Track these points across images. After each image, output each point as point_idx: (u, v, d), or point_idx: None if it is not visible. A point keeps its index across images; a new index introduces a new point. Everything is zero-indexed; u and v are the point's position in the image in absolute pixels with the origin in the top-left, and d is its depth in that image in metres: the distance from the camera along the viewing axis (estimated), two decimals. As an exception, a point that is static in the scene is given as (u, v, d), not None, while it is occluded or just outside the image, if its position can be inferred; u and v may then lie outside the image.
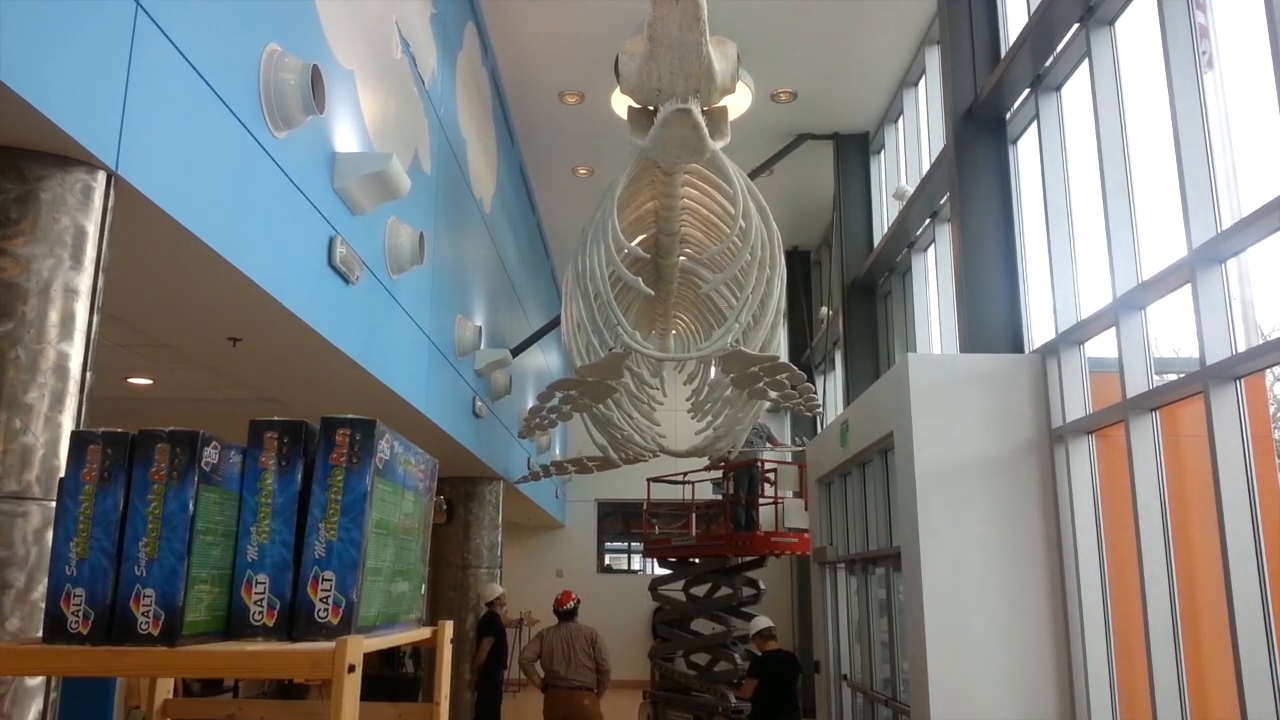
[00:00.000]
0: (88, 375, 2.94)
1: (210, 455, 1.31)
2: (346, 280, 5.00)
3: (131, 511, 1.27)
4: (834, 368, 14.21)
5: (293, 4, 4.43)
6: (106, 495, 1.27)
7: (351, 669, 1.16)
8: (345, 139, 5.05)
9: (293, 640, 1.30)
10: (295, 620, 1.31)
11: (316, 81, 4.11)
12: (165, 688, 1.71)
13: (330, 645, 1.18)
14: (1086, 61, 6.40)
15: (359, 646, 1.19)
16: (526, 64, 10.13)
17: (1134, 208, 5.99)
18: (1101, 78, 6.20)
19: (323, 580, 1.32)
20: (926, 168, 9.43)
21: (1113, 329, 6.05)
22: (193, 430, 1.29)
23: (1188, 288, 5.20)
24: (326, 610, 1.31)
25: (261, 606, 1.32)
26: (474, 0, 8.79)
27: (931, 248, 9.99)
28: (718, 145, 5.52)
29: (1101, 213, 6.12)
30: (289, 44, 4.19)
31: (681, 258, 7.99)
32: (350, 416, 1.38)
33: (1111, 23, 6.19)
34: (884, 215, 11.61)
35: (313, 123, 4.42)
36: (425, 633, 1.66)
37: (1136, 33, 6.00)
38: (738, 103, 10.04)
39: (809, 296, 15.72)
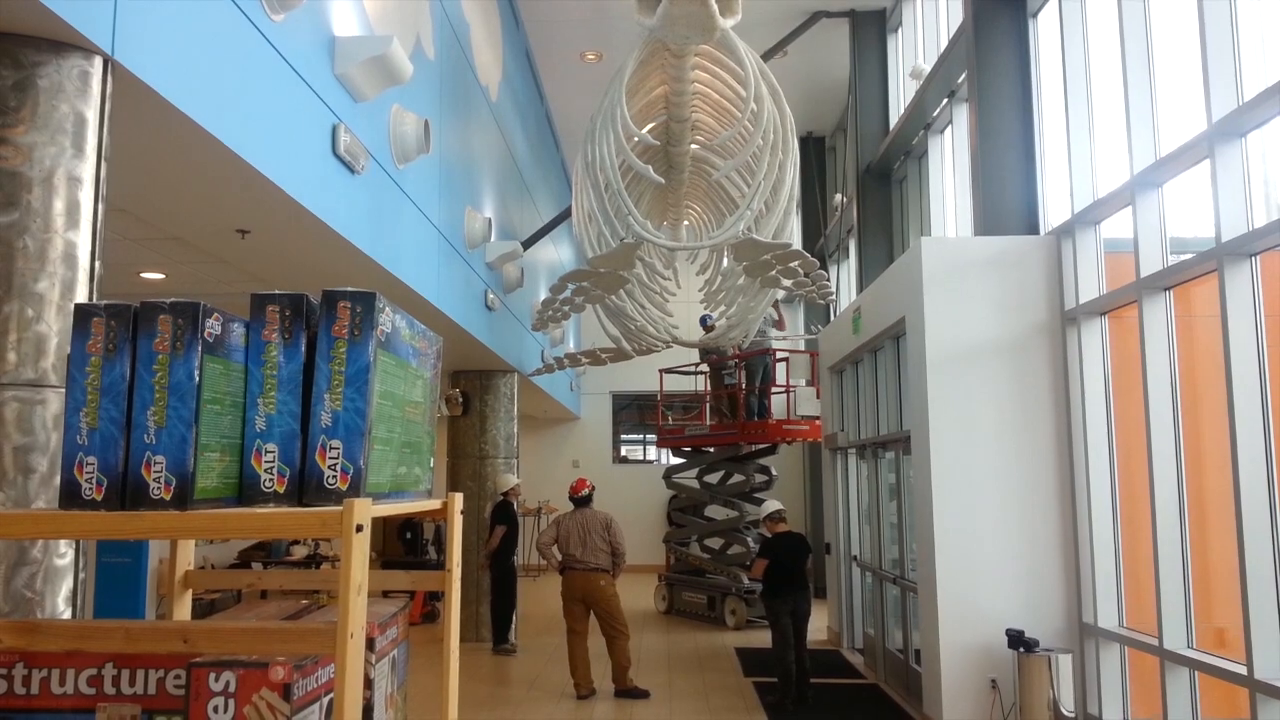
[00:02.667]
0: (97, 264, 2.95)
1: (213, 327, 1.32)
2: (352, 170, 4.95)
3: (138, 381, 1.29)
4: (848, 256, 14.10)
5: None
6: (113, 366, 1.29)
7: (360, 529, 1.19)
8: (345, 23, 4.93)
9: (303, 505, 1.34)
10: (305, 487, 1.35)
11: (311, -39, 3.99)
12: (186, 560, 1.77)
13: (339, 508, 1.21)
14: (1112, -73, 6.13)
15: (366, 508, 1.22)
16: (530, -57, 9.79)
17: (1154, 82, 5.82)
18: (1127, -56, 5.95)
19: (330, 448, 1.35)
20: (945, 46, 9.15)
21: (1128, 208, 5.96)
22: (194, 301, 1.30)
23: (1206, 164, 5.09)
24: (335, 477, 1.34)
25: (272, 474, 1.35)
26: (473, -125, 8.44)
27: (948, 130, 9.78)
28: (728, 23, 5.37)
29: (1121, 89, 5.95)
30: (281, -79, 4.05)
31: (693, 145, 7.85)
32: (351, 289, 1.39)
33: (1139, -115, 5.90)
34: (900, 97, 11.33)
35: (310, 5, 4.32)
36: (435, 503, 1.70)
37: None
38: (749, -20, 9.70)
39: (823, 183, 15.49)
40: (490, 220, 8.36)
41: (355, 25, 5.08)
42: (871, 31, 11.66)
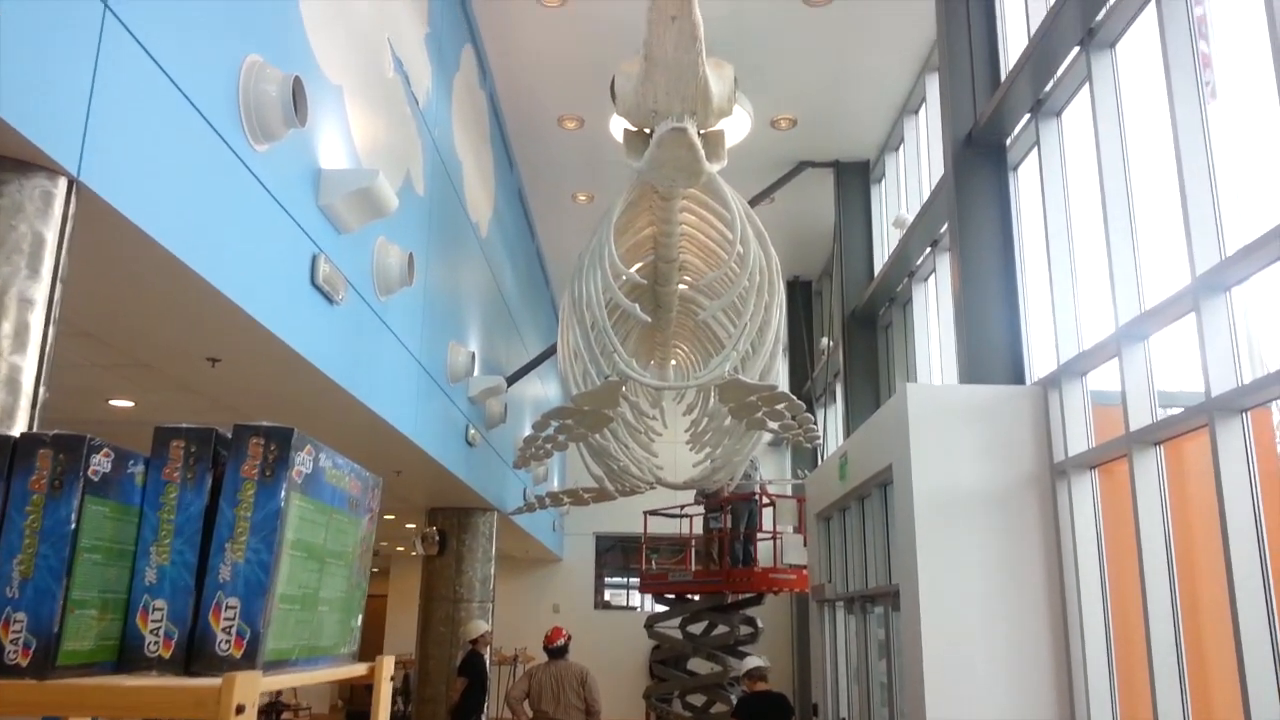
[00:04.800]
0: (41, 390, 2.81)
1: (100, 464, 1.17)
2: (330, 300, 4.88)
3: (8, 524, 1.12)
4: (834, 400, 14.05)
5: (277, 17, 4.34)
6: (-19, 507, 1.13)
7: (240, 710, 1.01)
8: (332, 156, 4.95)
9: (190, 674, 1.15)
10: (194, 652, 1.16)
11: (299, 93, 4.01)
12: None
13: (219, 681, 1.03)
14: (1087, 86, 6.31)
15: (252, 684, 1.03)
16: (525, 87, 10.08)
17: (1136, 236, 5.87)
18: (1103, 102, 6.10)
19: (226, 608, 1.17)
20: (927, 196, 9.34)
21: (1115, 360, 5.91)
22: (79, 434, 1.15)
23: (1191, 317, 5.06)
24: (229, 641, 1.16)
25: (158, 636, 1.17)
26: (472, 22, 8.75)
27: (932, 278, 9.88)
28: (714, 168, 5.46)
29: (1103, 241, 6.00)
30: (272, 56, 4.10)
31: (681, 285, 7.87)
32: (265, 424, 1.24)
33: (1113, 45, 6.10)
34: (884, 244, 11.52)
35: (296, 137, 4.32)
36: (359, 669, 1.51)
37: (1138, 55, 5.91)
38: (736, 129, 9.99)
39: (810, 327, 15.60)
40: (474, 354, 8.28)
41: (343, 158, 5.10)
42: (855, 181, 11.95)
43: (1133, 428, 5.63)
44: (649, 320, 7.30)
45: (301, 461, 1.25)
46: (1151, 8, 5.51)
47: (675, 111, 4.82)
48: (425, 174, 6.98)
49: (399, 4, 6.26)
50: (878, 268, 11.53)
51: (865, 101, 10.45)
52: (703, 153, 5.03)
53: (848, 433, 11.28)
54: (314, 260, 4.66)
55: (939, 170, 8.80)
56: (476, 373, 8.62)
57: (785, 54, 9.53)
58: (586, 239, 7.13)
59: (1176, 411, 5.46)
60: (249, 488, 1.21)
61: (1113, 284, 5.88)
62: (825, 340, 13.88)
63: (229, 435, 1.25)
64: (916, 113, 10.40)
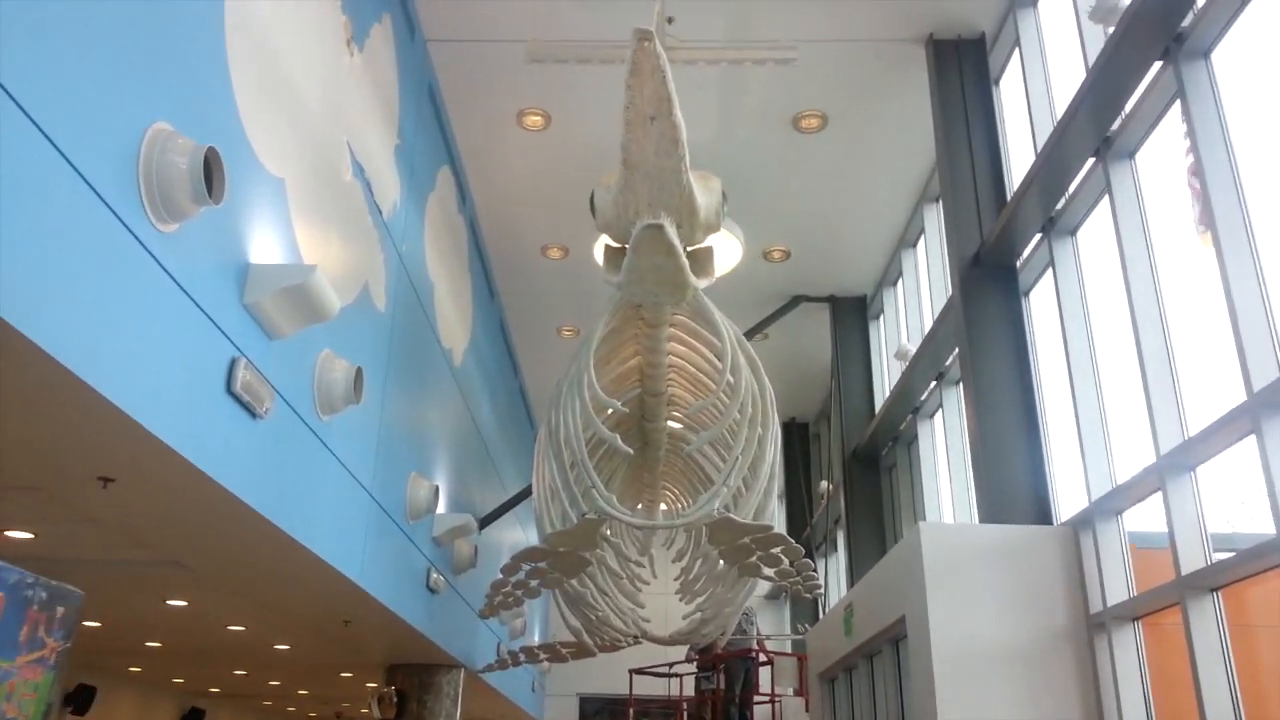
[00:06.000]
0: None
1: None
2: (252, 413, 4.19)
3: None
4: (836, 549, 13.17)
5: (200, 89, 3.83)
6: None
7: None
8: (268, 253, 4.38)
9: None
10: None
11: (213, 165, 3.46)
12: None
13: None
14: (1106, 199, 5.84)
15: None
16: (507, 214, 9.73)
17: (1174, 356, 5.26)
18: (1126, 215, 5.61)
19: None
20: (928, 330, 8.80)
21: (1157, 495, 5.20)
22: None
23: (1251, 439, 4.39)
24: None
25: None
26: (450, 144, 8.42)
27: (938, 413, 9.24)
28: (701, 284, 4.96)
29: (1136, 364, 5.39)
30: (191, 130, 3.57)
31: (671, 422, 7.25)
32: None
33: (1133, 155, 5.66)
34: (885, 382, 10.94)
35: (212, 220, 3.75)
36: None
37: (1160, 164, 5.45)
38: (727, 257, 9.54)
39: (808, 472, 14.84)
40: (437, 488, 7.50)
41: (279, 255, 4.53)
42: (852, 317, 11.48)
43: (1184, 571, 4.87)
44: (631, 452, 6.63)
45: None
46: (1176, 109, 5.08)
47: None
48: (388, 290, 6.43)
49: (359, 106, 5.85)
50: (878, 405, 10.92)
51: (861, 233, 10.08)
52: (685, 259, 4.50)
53: (851, 584, 10.39)
54: (232, 364, 4.00)
55: (941, 303, 8.30)
56: (441, 509, 7.84)
57: (777, 182, 9.21)
58: (565, 366, 6.54)
59: (1231, 554, 4.73)
60: None
61: (1150, 410, 5.23)
62: (824, 484, 13.11)
63: None
64: (915, 245, 10.01)
